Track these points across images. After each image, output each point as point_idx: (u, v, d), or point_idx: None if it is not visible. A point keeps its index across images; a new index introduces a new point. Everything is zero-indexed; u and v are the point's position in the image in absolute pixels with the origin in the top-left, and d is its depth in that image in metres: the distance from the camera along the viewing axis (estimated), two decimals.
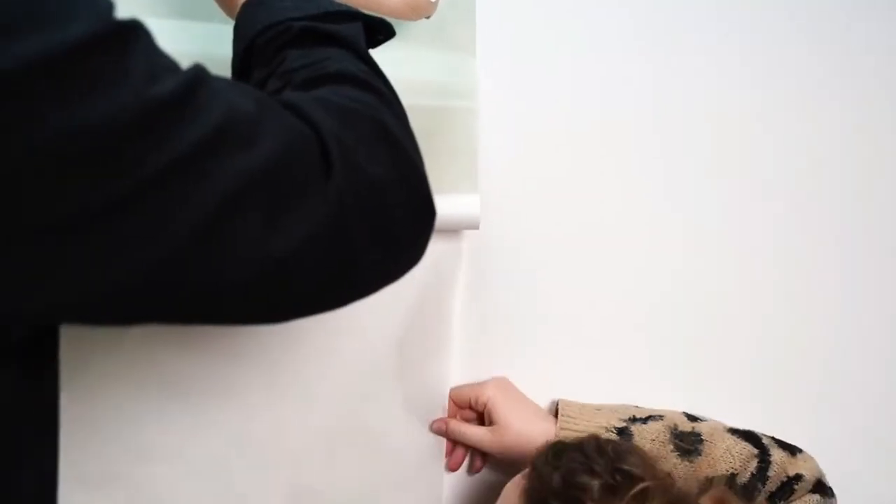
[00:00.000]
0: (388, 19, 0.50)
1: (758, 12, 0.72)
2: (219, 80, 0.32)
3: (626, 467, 0.50)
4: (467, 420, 0.66)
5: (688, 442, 0.62)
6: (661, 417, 0.65)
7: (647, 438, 0.63)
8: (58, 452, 0.39)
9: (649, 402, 0.71)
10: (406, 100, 0.43)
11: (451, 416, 0.66)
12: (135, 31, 0.28)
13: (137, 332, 0.56)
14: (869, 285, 0.77)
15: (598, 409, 0.66)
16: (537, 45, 0.68)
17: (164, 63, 0.29)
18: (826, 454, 0.67)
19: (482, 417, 0.65)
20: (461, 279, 0.65)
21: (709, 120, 0.72)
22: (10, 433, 0.35)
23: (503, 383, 0.65)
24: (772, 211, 0.75)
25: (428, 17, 0.60)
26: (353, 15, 0.43)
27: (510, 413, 0.63)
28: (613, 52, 0.69)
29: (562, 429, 0.63)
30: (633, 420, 0.64)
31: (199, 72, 0.30)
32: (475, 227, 0.61)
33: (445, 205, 0.56)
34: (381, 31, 0.47)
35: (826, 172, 0.75)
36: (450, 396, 0.65)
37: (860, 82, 0.75)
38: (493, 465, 0.70)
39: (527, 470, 0.53)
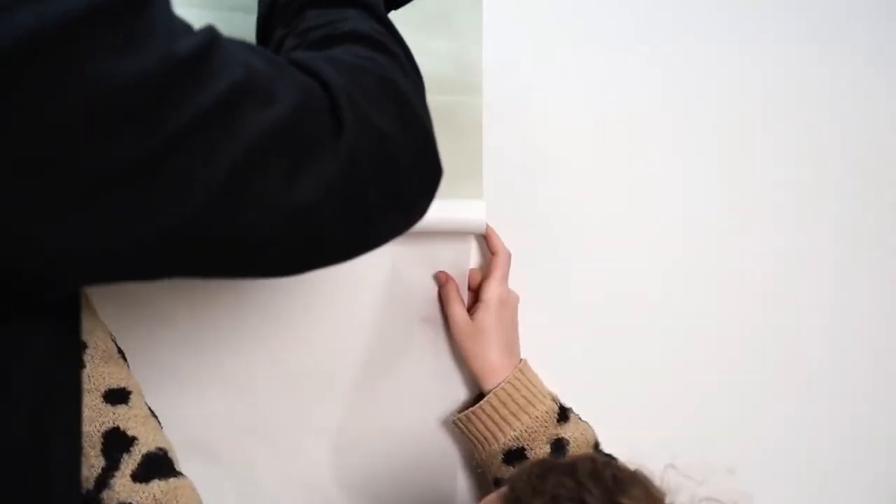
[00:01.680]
0: None
1: (762, 15, 0.74)
2: (232, 41, 0.33)
3: (626, 502, 0.42)
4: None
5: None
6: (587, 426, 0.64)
7: (579, 431, 0.62)
8: (82, 418, 0.41)
9: (649, 406, 0.72)
10: None
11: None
12: None
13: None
14: (872, 326, 0.79)
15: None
16: (544, 49, 0.69)
17: (181, 24, 0.31)
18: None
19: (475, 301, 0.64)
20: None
21: (715, 124, 0.74)
22: (44, 396, 0.36)
23: (510, 300, 0.64)
24: (777, 216, 0.77)
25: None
26: None
27: (491, 326, 0.61)
28: (620, 54, 0.71)
29: (511, 379, 0.61)
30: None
31: (213, 32, 0.31)
32: (481, 231, 0.63)
33: (452, 210, 0.61)
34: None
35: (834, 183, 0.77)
36: (469, 272, 0.64)
37: (865, 93, 0.77)
38: None
39: (503, 490, 0.45)
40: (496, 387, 0.61)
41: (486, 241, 0.65)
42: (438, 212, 0.59)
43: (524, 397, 0.61)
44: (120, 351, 0.57)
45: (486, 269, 0.65)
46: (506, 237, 0.66)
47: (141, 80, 0.27)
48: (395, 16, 0.60)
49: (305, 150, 0.33)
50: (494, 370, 0.61)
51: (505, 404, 0.60)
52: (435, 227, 0.60)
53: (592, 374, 0.72)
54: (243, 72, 0.31)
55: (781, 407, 0.78)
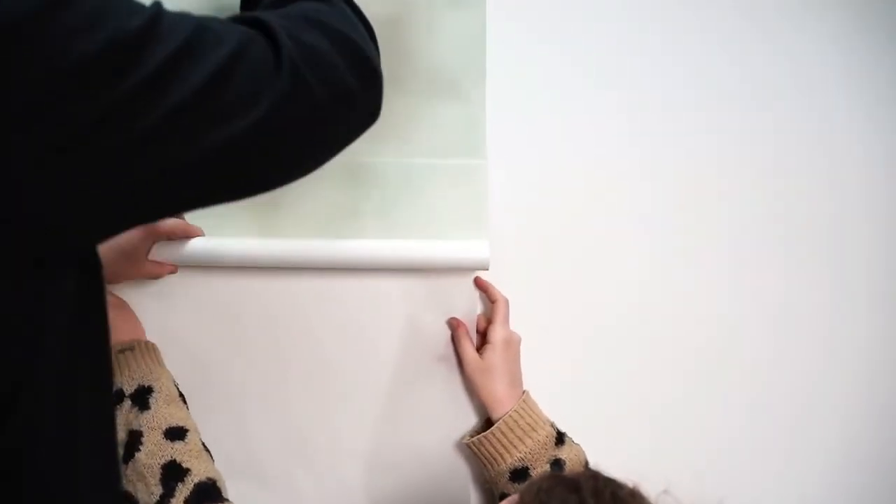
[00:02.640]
0: None
1: (750, 70, 0.79)
2: (179, 12, 0.40)
3: None
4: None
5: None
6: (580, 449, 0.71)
7: (574, 453, 0.69)
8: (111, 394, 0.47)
9: (649, 435, 0.78)
10: (423, 160, 0.54)
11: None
12: None
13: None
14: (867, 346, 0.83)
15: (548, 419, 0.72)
16: (544, 103, 0.77)
17: (134, 2, 0.37)
18: None
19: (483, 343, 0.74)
20: (476, 312, 0.75)
21: (703, 175, 0.80)
22: (71, 362, 0.40)
23: (513, 340, 0.73)
24: (775, 249, 0.82)
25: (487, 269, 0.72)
26: None
27: (498, 364, 0.71)
28: (615, 109, 0.78)
29: (516, 408, 0.69)
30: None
31: (159, 4, 0.38)
32: (485, 268, 0.72)
33: (459, 248, 0.70)
34: None
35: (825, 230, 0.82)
36: (476, 318, 0.74)
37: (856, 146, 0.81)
38: None
39: (514, 497, 0.52)
40: (503, 415, 0.70)
41: (485, 293, 0.75)
42: (447, 251, 0.70)
43: (528, 424, 0.70)
44: (181, 394, 0.67)
45: (489, 315, 0.74)
46: (508, 273, 0.75)
47: (107, 48, 0.34)
48: (405, 84, 0.68)
49: (253, 71, 0.40)
50: (501, 401, 0.70)
51: (511, 430, 0.69)
52: (444, 265, 0.71)
53: (586, 402, 0.78)
54: (193, 27, 0.38)
55: (785, 439, 0.83)
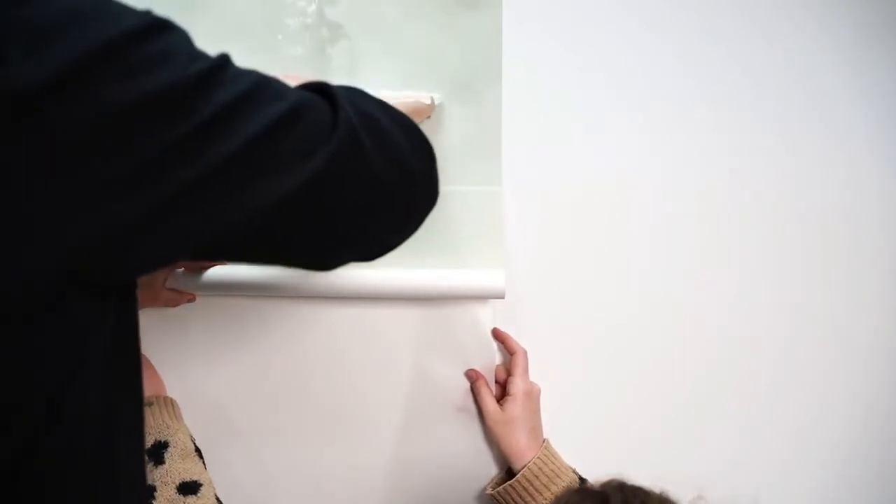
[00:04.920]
0: None
1: (759, 92, 0.79)
2: (244, 68, 0.40)
3: None
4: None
5: None
6: None
7: None
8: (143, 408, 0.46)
9: (660, 465, 0.73)
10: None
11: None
12: (171, 23, 0.37)
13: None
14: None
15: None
16: (559, 133, 0.78)
17: (197, 49, 0.38)
18: None
19: (503, 393, 0.74)
20: (495, 360, 0.75)
21: (721, 193, 0.79)
22: (112, 373, 0.40)
23: (533, 392, 0.73)
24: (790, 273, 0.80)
25: (429, 118, 0.69)
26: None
27: (519, 415, 0.71)
28: (627, 140, 0.79)
29: (538, 458, 0.69)
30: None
31: (225, 56, 0.38)
32: (501, 296, 0.71)
33: (476, 277, 0.71)
34: None
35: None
36: (495, 368, 0.74)
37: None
38: None
39: None
40: (526, 465, 0.69)
41: (503, 345, 0.75)
42: (464, 280, 0.71)
43: (552, 471, 0.69)
44: (197, 449, 0.68)
45: (508, 367, 0.75)
46: (524, 301, 0.76)
47: (168, 89, 0.34)
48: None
49: (311, 126, 0.40)
50: (523, 452, 0.70)
51: (536, 477, 0.69)
52: (460, 293, 0.71)
53: (598, 424, 0.78)
54: (254, 80, 0.39)
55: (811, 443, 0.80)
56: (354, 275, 0.70)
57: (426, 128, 0.68)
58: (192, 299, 0.69)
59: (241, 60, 0.39)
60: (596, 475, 0.65)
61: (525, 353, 0.74)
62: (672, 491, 0.53)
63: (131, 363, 0.43)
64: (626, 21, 0.76)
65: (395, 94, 0.65)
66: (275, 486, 0.74)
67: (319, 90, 0.43)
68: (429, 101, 0.68)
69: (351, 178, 0.41)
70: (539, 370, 0.74)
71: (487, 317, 0.72)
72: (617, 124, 0.77)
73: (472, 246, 0.71)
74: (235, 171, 0.37)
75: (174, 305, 0.69)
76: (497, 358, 0.75)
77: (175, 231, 0.36)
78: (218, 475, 0.67)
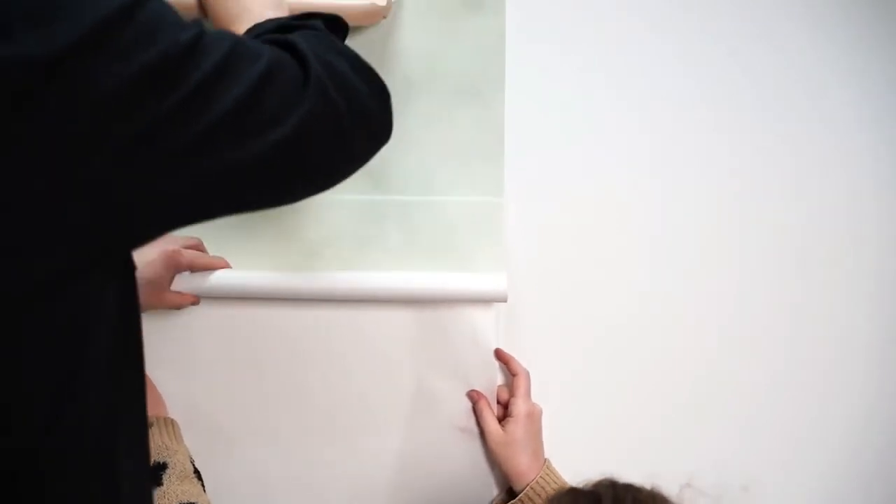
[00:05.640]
0: None
1: (761, 93, 0.78)
2: (217, 30, 0.43)
3: None
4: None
5: None
6: None
7: None
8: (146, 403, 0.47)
9: (660, 465, 0.73)
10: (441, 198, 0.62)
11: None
12: None
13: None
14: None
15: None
16: (562, 137, 0.77)
17: (181, 18, 0.39)
18: None
19: (504, 415, 0.74)
20: (496, 342, 0.74)
21: (724, 203, 0.79)
22: (118, 349, 0.41)
23: (534, 413, 0.73)
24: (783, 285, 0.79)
25: (384, 18, 0.68)
26: (315, 14, 0.55)
27: (521, 437, 0.71)
28: (629, 143, 0.78)
29: (540, 478, 0.69)
30: None
31: (201, 22, 0.40)
32: (503, 300, 0.71)
33: (479, 281, 0.71)
34: (342, 28, 0.58)
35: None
36: (497, 389, 0.75)
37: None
38: None
39: None
40: (528, 485, 0.69)
41: (506, 366, 0.75)
42: (466, 283, 0.71)
43: (553, 490, 0.69)
44: (196, 471, 0.66)
45: (510, 388, 0.74)
46: (526, 304, 0.75)
47: (158, 62, 0.36)
48: (424, 89, 0.71)
49: (286, 86, 0.43)
50: (524, 473, 0.70)
51: (538, 495, 0.69)
52: (463, 296, 0.71)
53: (598, 427, 0.78)
54: (231, 42, 0.41)
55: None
56: (357, 278, 0.70)
57: (431, 126, 0.70)
58: (195, 302, 0.69)
59: None
60: (596, 476, 0.66)
61: (527, 374, 0.74)
62: (664, 486, 0.53)
63: (133, 364, 0.44)
64: (629, 26, 0.76)
65: None
66: (273, 495, 0.72)
67: (285, 45, 0.46)
68: (384, 2, 0.66)
69: (321, 129, 0.45)
70: (539, 372, 0.74)
71: (490, 319, 0.72)
72: (619, 127, 0.77)
73: (474, 249, 0.72)
74: (224, 132, 0.39)
75: (178, 307, 0.69)
76: (498, 366, 0.75)
77: (172, 193, 0.38)
78: (214, 479, 0.67)
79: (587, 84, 0.77)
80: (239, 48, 0.41)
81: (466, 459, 0.74)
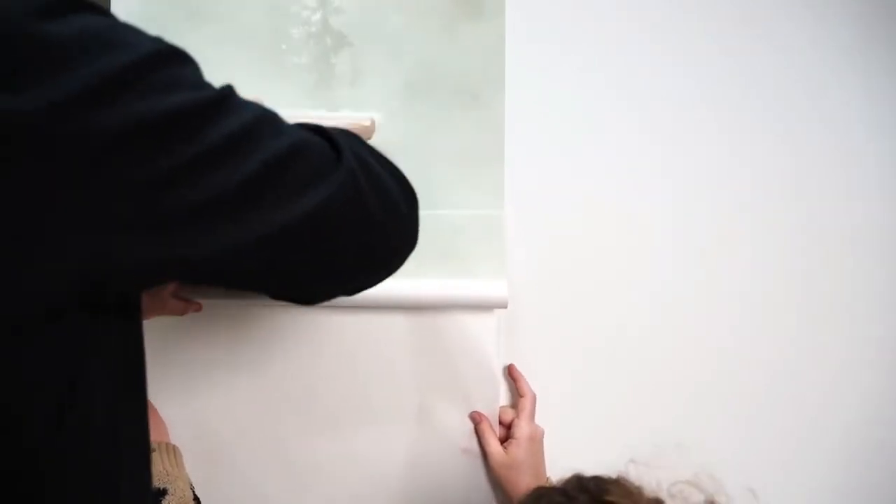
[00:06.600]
0: None
1: (761, 93, 0.78)
2: (247, 100, 0.41)
3: (609, 499, 0.51)
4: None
5: None
6: None
7: None
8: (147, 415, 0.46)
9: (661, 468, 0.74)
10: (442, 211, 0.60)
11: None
12: (183, 52, 0.38)
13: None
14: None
15: None
16: (562, 142, 0.76)
17: (205, 80, 0.39)
18: None
19: (507, 436, 0.74)
20: (496, 347, 0.73)
21: (724, 210, 0.78)
22: (118, 390, 0.40)
23: (537, 435, 0.73)
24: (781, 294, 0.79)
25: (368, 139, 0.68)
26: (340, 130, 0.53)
27: (523, 459, 0.71)
28: (630, 147, 0.77)
29: None
30: None
31: (230, 87, 0.39)
32: (504, 306, 0.71)
33: (480, 287, 0.71)
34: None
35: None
36: (500, 410, 0.74)
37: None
38: None
39: None
40: None
41: (515, 384, 0.75)
42: (467, 290, 0.70)
43: None
44: (196, 498, 0.64)
45: (515, 409, 0.74)
46: (525, 310, 0.75)
47: (175, 113, 0.35)
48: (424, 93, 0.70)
49: (312, 167, 0.41)
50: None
51: None
52: (463, 302, 0.71)
53: (600, 432, 0.77)
54: (257, 113, 0.39)
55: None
56: None
57: (432, 138, 0.70)
58: (198, 309, 0.67)
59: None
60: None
61: (534, 397, 0.74)
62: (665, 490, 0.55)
63: (136, 378, 0.43)
64: (629, 27, 0.75)
65: (333, 114, 0.67)
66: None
67: (317, 131, 0.44)
68: (368, 123, 0.67)
69: (349, 215, 0.43)
70: (539, 378, 0.74)
71: (491, 325, 0.72)
72: (619, 129, 0.76)
73: (474, 256, 0.71)
74: (237, 200, 0.37)
75: (181, 314, 0.67)
76: (499, 371, 0.74)
77: (171, 252, 0.36)
78: (215, 478, 0.66)
79: (587, 85, 0.76)
80: (267, 119, 0.40)
81: (468, 480, 0.73)
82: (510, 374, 0.75)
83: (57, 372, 0.36)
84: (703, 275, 0.78)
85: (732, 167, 0.77)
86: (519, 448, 0.70)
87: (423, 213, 0.70)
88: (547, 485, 0.59)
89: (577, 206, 0.76)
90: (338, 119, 0.64)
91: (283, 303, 0.68)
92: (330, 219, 0.42)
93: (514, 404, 0.75)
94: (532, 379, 0.75)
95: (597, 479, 0.53)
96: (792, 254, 0.78)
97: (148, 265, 0.36)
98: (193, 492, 0.64)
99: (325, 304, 0.68)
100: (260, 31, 0.65)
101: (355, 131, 0.63)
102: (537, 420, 0.74)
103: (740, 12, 0.76)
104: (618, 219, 0.77)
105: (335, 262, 0.45)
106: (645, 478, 0.55)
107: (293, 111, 0.48)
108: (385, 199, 0.46)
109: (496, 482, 0.72)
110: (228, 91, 0.38)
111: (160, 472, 0.62)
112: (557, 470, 0.70)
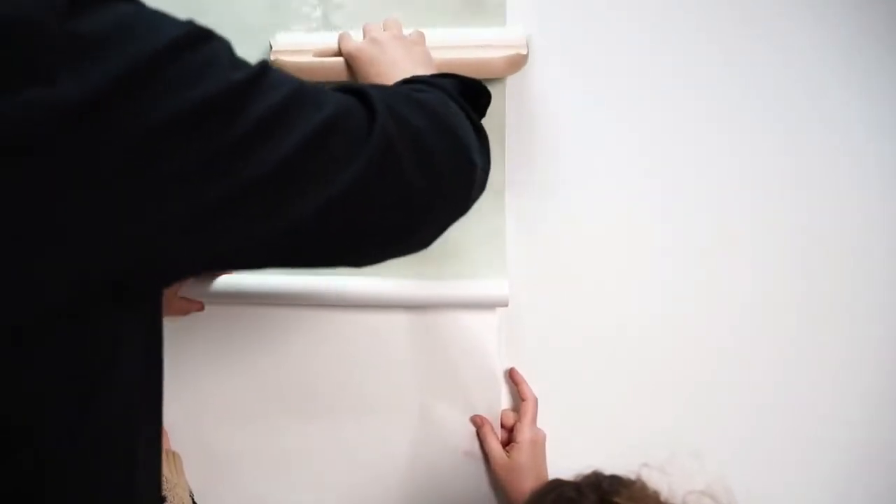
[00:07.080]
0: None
1: (761, 93, 0.77)
2: (283, 71, 0.41)
3: (616, 500, 0.52)
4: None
5: None
6: None
7: None
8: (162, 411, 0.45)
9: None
10: None
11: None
12: (212, 33, 0.37)
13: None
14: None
15: None
16: (563, 140, 0.76)
17: (238, 58, 0.38)
18: None
19: (509, 440, 0.75)
20: (497, 346, 0.74)
21: (726, 211, 0.78)
22: (138, 385, 0.40)
23: (539, 440, 0.73)
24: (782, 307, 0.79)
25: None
26: (451, 75, 0.53)
27: (525, 463, 0.71)
28: (631, 147, 0.77)
29: None
30: None
31: (265, 63, 0.39)
32: (505, 304, 0.72)
33: (481, 286, 0.72)
34: (482, 96, 0.57)
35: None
36: (501, 413, 0.75)
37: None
38: None
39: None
40: None
41: (517, 388, 0.75)
42: (468, 289, 0.71)
43: None
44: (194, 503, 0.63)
45: (518, 413, 0.74)
46: (526, 309, 0.75)
47: (207, 101, 0.34)
48: None
49: (347, 138, 0.40)
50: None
51: None
52: (464, 301, 0.72)
53: (601, 434, 0.78)
54: (293, 88, 0.39)
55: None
56: (359, 283, 0.70)
57: None
58: (200, 309, 0.68)
59: None
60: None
61: (536, 401, 0.74)
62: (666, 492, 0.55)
63: (155, 375, 0.43)
64: (628, 27, 0.75)
65: (486, 33, 0.67)
66: None
67: (357, 93, 0.43)
68: (525, 51, 0.68)
69: (380, 187, 0.42)
70: (540, 377, 0.74)
71: (492, 324, 0.72)
72: (619, 130, 0.76)
73: (475, 255, 0.72)
74: (276, 182, 0.37)
75: (184, 314, 0.68)
76: (500, 370, 0.75)
77: (216, 238, 0.37)
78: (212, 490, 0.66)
79: (587, 85, 0.76)
80: (303, 93, 0.39)
81: (468, 480, 0.74)
82: (511, 378, 0.74)
83: (81, 368, 0.36)
84: (703, 275, 0.78)
85: (733, 167, 0.77)
86: (521, 452, 0.71)
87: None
88: (564, 479, 0.59)
89: (577, 205, 0.76)
90: (488, 41, 0.66)
91: (284, 303, 0.69)
92: (361, 194, 0.41)
93: (516, 408, 0.75)
94: (531, 379, 0.75)
95: (612, 479, 0.54)
96: (792, 254, 0.78)
97: (181, 258, 0.36)
98: (192, 498, 0.63)
99: (325, 303, 0.69)
100: (260, 27, 0.65)
101: (510, 62, 0.65)
102: (538, 421, 0.73)
103: (740, 12, 0.76)
104: (618, 218, 0.77)
105: (368, 234, 0.44)
106: (657, 483, 0.55)
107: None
108: (424, 158, 0.44)
109: (498, 485, 0.73)
110: (263, 68, 0.38)
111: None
112: (558, 471, 0.71)
